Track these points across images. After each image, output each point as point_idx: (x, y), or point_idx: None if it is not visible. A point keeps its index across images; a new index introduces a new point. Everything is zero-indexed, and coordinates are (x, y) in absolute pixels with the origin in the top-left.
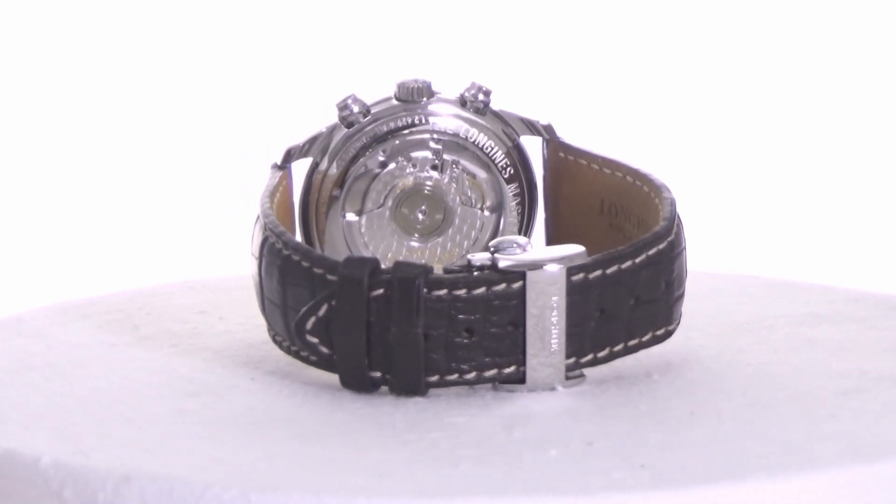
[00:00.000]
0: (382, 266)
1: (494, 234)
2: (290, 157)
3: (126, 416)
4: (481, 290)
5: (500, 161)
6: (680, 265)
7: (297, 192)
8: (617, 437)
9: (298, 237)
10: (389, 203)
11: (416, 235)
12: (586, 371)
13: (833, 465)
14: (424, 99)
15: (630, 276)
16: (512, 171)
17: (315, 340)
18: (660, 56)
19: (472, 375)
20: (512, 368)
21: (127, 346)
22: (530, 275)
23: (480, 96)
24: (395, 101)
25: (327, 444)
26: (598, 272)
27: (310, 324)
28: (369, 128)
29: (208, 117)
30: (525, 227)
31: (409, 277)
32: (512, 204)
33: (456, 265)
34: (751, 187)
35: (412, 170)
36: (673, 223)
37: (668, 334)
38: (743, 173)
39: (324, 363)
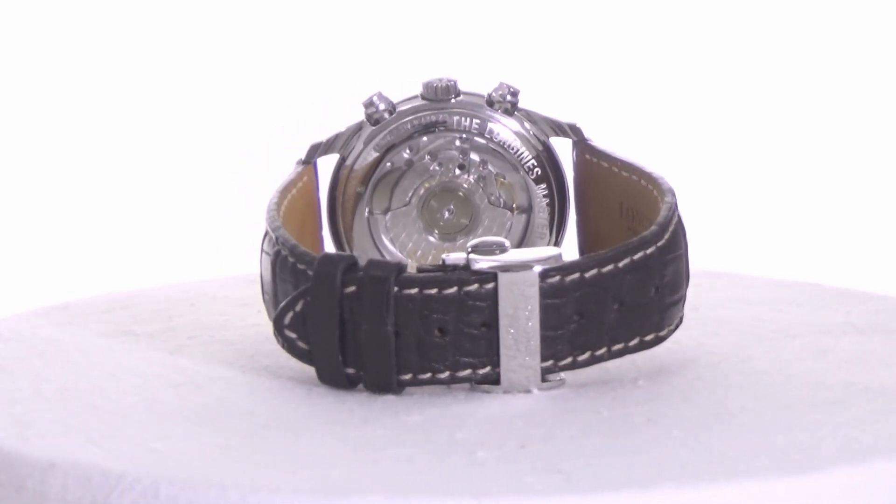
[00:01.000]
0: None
1: (523, 236)
2: (313, 152)
3: (94, 404)
4: (453, 290)
5: (528, 162)
6: (675, 270)
7: (325, 188)
8: (556, 441)
9: (326, 233)
10: (415, 202)
11: (444, 234)
12: (572, 374)
13: (757, 478)
14: (451, 98)
15: (612, 280)
16: (540, 172)
17: (293, 335)
18: (679, 56)
19: (445, 375)
20: (487, 369)
21: (148, 336)
22: (502, 276)
23: (508, 97)
24: (420, 100)
25: (267, 437)
26: (576, 275)
27: (288, 318)
28: (395, 126)
29: (208, 117)
30: (556, 229)
31: (380, 275)
32: (543, 205)
33: (431, 265)
34: (792, 190)
35: (438, 168)
36: (666, 228)
37: (659, 340)
38: (777, 175)
39: (303, 358)
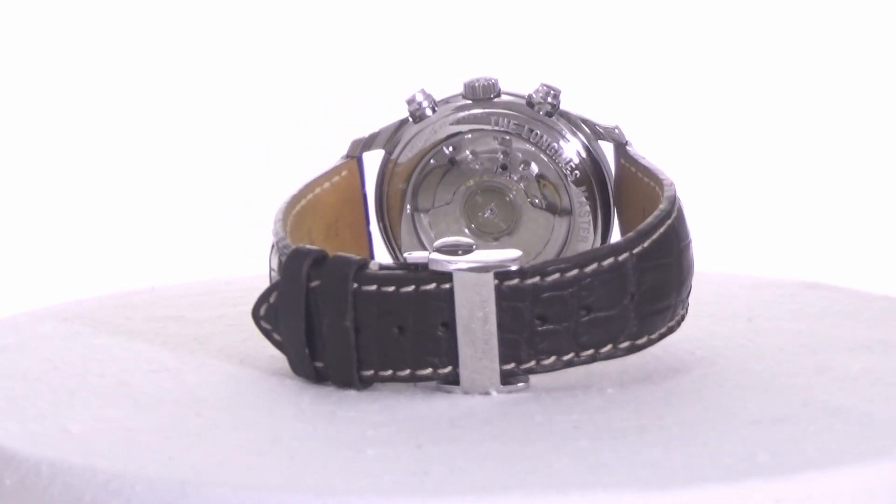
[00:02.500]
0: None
1: (566, 239)
2: (355, 148)
3: (54, 386)
4: (410, 288)
5: (568, 164)
6: (659, 278)
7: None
8: (455, 443)
9: (374, 228)
10: (457, 200)
11: (486, 234)
12: (555, 377)
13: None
14: (492, 97)
15: (577, 285)
16: (579, 175)
17: (268, 327)
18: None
19: (406, 373)
20: (448, 369)
21: (154, 331)
22: (457, 277)
23: (549, 98)
24: (462, 99)
25: (192, 423)
26: (535, 279)
27: (262, 310)
28: (437, 124)
29: (208, 117)
30: (602, 232)
31: (340, 271)
32: (585, 208)
33: (395, 263)
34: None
35: (479, 168)
36: (646, 235)
37: (637, 348)
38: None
39: (279, 348)
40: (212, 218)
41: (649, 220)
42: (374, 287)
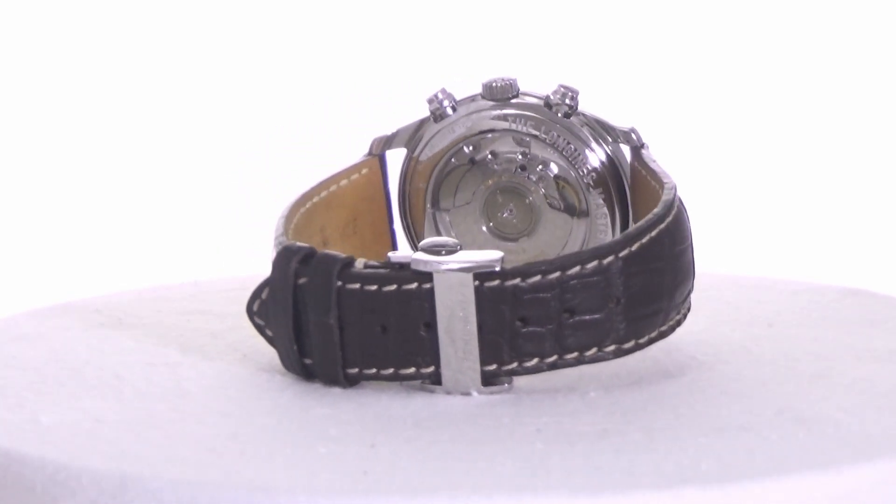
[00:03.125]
0: None
1: (584, 240)
2: (376, 146)
3: (46, 376)
4: (392, 287)
5: (584, 166)
6: (646, 283)
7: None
8: (409, 443)
9: (398, 226)
10: (477, 200)
11: (506, 235)
12: (537, 379)
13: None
14: (510, 97)
15: (558, 287)
16: (596, 177)
17: (262, 323)
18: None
19: (389, 372)
20: (431, 369)
21: (176, 325)
22: (437, 277)
23: (567, 100)
24: (481, 99)
25: (162, 417)
26: (516, 280)
27: (255, 306)
28: (457, 123)
29: (208, 117)
30: (621, 234)
31: (324, 269)
32: (602, 210)
33: (379, 261)
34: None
35: (498, 168)
36: (634, 239)
37: (623, 352)
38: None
39: (272, 344)
40: (212, 218)
41: (640, 223)
42: (357, 285)
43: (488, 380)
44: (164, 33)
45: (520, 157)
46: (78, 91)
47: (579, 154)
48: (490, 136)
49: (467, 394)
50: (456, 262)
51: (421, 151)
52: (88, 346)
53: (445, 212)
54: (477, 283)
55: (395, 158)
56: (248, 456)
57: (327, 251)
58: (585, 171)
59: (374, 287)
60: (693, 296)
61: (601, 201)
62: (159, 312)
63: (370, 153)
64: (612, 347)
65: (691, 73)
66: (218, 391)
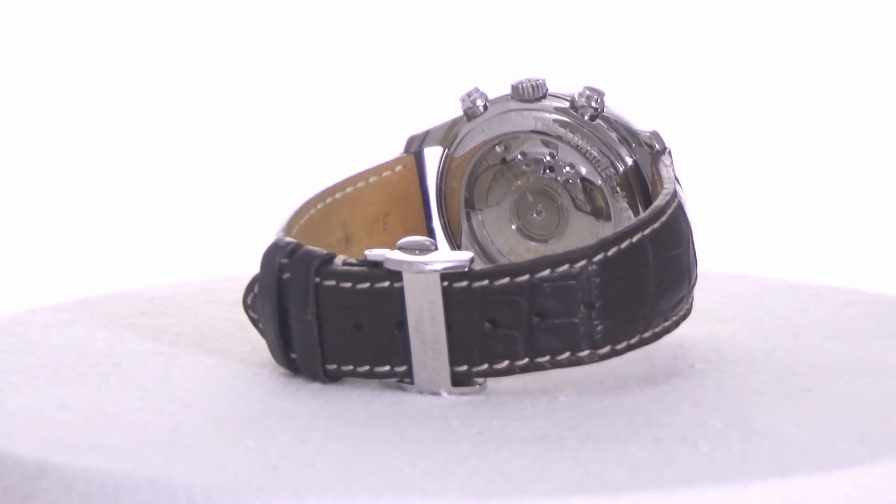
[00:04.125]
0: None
1: None
2: (410, 144)
3: (31, 366)
4: (365, 285)
5: (608, 168)
6: (624, 289)
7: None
8: (339, 441)
9: (436, 223)
10: (508, 201)
11: (536, 236)
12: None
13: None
14: (539, 98)
15: (527, 290)
16: (619, 180)
17: (255, 316)
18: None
19: (364, 369)
20: (404, 368)
21: (199, 316)
22: (406, 277)
23: (593, 103)
24: (510, 100)
25: (122, 405)
26: (484, 282)
27: (249, 299)
28: (487, 123)
29: (211, 117)
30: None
31: (304, 265)
32: (628, 213)
33: (357, 259)
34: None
35: (527, 169)
36: (609, 245)
37: (597, 358)
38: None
39: (263, 338)
40: (212, 218)
41: (619, 230)
42: (333, 282)
43: (459, 380)
44: (174, 36)
45: (547, 158)
46: (77, 93)
47: (604, 158)
48: (520, 136)
49: (437, 394)
50: (425, 262)
51: (455, 150)
52: (96, 339)
53: (479, 211)
54: (446, 283)
55: (432, 157)
56: (177, 445)
57: (309, 247)
58: (610, 174)
59: (349, 284)
60: (720, 299)
61: (625, 205)
62: (210, 303)
63: (406, 151)
64: (586, 352)
65: (716, 79)
66: (198, 383)
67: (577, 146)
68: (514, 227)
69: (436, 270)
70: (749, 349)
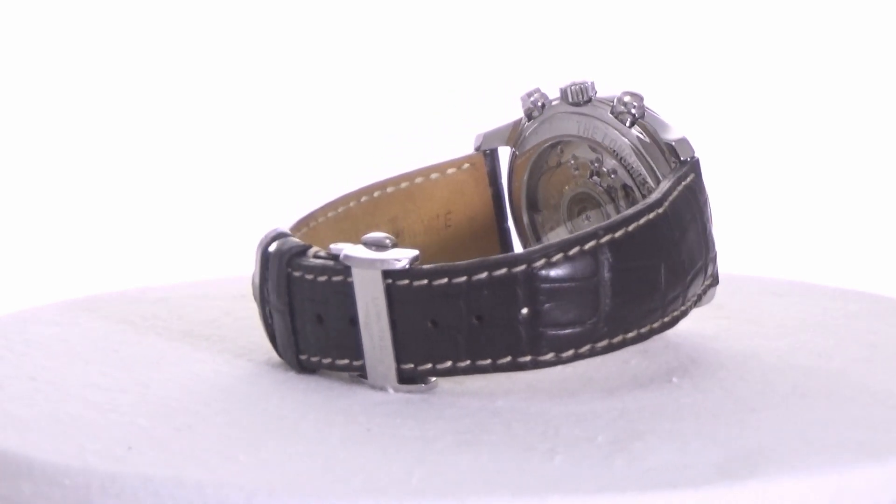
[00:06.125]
0: None
1: None
2: (482, 142)
3: (26, 363)
4: (324, 278)
5: (640, 176)
6: (567, 297)
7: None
8: (215, 428)
9: (510, 223)
10: (561, 204)
11: None
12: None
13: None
14: (586, 101)
15: (465, 292)
16: (648, 189)
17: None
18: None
19: (328, 361)
20: (360, 362)
21: (211, 314)
22: (355, 272)
23: (632, 109)
24: (561, 103)
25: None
26: (423, 281)
27: (256, 290)
28: (542, 126)
29: (214, 118)
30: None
31: (279, 256)
32: None
33: (326, 253)
34: None
35: (576, 173)
36: (553, 251)
37: (539, 364)
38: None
39: None
40: (214, 218)
41: (571, 236)
42: (300, 273)
43: (407, 378)
44: (180, 38)
45: (594, 164)
46: (78, 94)
47: (635, 165)
48: (573, 140)
49: (384, 390)
50: (370, 258)
51: (518, 149)
52: (103, 335)
53: (539, 213)
54: (389, 281)
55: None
56: (177, 446)
57: (289, 240)
58: (640, 181)
59: (311, 277)
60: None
61: None
62: (209, 302)
63: (476, 149)
64: (526, 359)
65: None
66: (199, 381)
67: (614, 152)
68: (568, 229)
69: (376, 267)
70: (749, 349)
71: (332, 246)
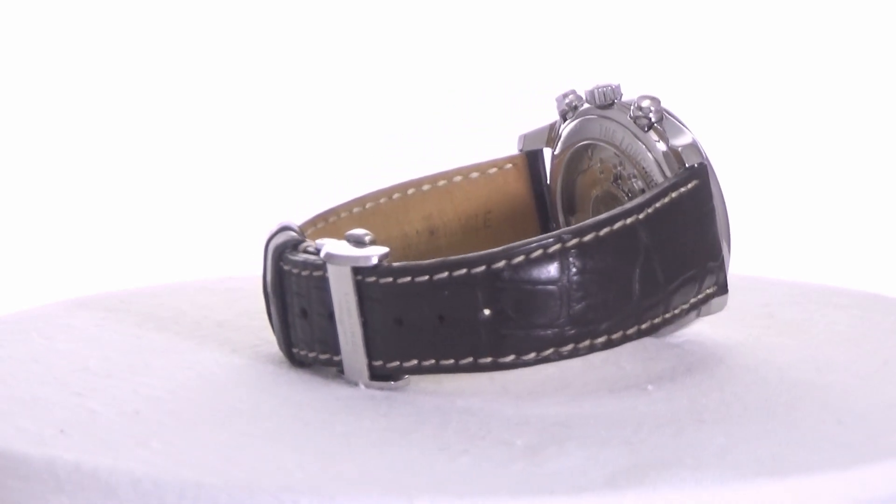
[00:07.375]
0: None
1: None
2: (524, 143)
3: (24, 367)
4: (306, 273)
5: (652, 182)
6: (531, 298)
7: None
8: (166, 415)
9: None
10: (590, 207)
11: None
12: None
13: None
14: (609, 105)
15: (427, 291)
16: None
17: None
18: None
19: (313, 355)
20: (339, 357)
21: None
22: (329, 268)
23: (650, 114)
24: (589, 106)
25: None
26: (388, 279)
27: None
28: (572, 129)
29: (216, 118)
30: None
31: (274, 249)
32: None
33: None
34: None
35: (601, 177)
36: (516, 253)
37: (500, 366)
38: None
39: None
40: (215, 218)
41: (532, 239)
42: (288, 268)
43: (378, 375)
44: (184, 39)
45: (616, 167)
46: (78, 95)
47: (650, 170)
48: (600, 144)
49: (356, 385)
50: (342, 254)
51: (556, 151)
52: (110, 334)
53: (573, 216)
54: (359, 277)
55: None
56: (177, 445)
57: (288, 232)
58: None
59: (297, 271)
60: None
61: None
62: (208, 302)
63: (520, 150)
64: (487, 360)
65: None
66: (199, 380)
67: (631, 157)
68: None
69: (346, 263)
70: (747, 349)
71: (318, 241)
